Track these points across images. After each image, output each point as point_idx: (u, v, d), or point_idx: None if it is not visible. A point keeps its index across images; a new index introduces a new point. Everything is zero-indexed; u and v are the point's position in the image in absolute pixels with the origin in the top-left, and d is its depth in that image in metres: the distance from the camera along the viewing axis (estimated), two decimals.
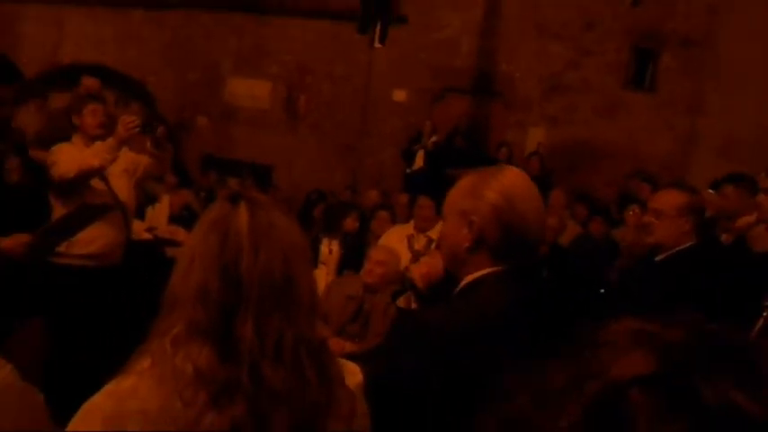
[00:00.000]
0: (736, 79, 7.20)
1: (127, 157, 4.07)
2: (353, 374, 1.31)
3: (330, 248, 5.55)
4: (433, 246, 4.88)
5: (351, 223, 5.73)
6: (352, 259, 5.36)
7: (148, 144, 4.04)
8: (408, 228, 5.40)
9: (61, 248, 3.76)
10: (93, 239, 3.84)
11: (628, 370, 0.52)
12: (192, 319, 1.13)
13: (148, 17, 10.59)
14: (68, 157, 3.71)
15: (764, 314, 2.51)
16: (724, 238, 3.54)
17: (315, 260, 5.52)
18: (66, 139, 3.97)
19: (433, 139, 8.50)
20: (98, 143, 3.79)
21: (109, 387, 1.12)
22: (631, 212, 5.14)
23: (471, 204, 1.51)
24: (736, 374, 0.51)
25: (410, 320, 1.54)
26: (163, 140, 4.06)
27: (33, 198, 3.95)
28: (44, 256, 3.63)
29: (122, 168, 4.04)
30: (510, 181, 1.53)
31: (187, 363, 1.11)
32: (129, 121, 3.72)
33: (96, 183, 3.89)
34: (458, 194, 1.56)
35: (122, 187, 4.05)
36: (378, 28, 8.16)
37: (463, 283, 1.53)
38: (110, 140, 3.73)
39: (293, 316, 1.16)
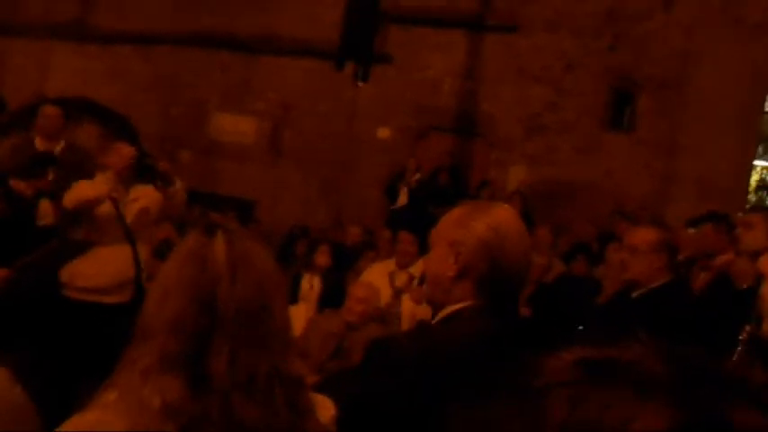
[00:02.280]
0: (710, 120, 7.37)
1: (148, 195, 4.05)
2: (327, 408, 1.29)
3: (311, 284, 5.54)
4: (415, 282, 4.89)
5: (321, 257, 5.69)
6: (333, 296, 5.34)
7: (158, 182, 4.02)
8: (390, 264, 5.40)
9: (64, 280, 3.72)
10: (97, 273, 3.78)
11: (654, 424, 0.52)
12: (165, 349, 1.11)
13: (135, 52, 10.67)
14: (73, 190, 3.73)
15: (741, 342, 2.54)
16: (702, 276, 3.58)
17: (295, 296, 5.50)
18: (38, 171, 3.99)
19: (417, 176, 8.56)
20: (98, 175, 3.80)
21: (72, 420, 1.09)
22: (612, 251, 5.19)
23: (460, 235, 1.52)
24: (743, 396, 0.53)
25: (383, 346, 1.54)
26: (169, 175, 4.04)
27: (14, 229, 3.92)
28: (24, 291, 3.59)
29: (142, 206, 4.02)
30: (501, 216, 1.55)
31: (155, 395, 1.08)
32: (125, 152, 3.73)
33: (106, 216, 3.85)
34: (447, 224, 1.57)
35: (139, 224, 4.01)
36: (359, 66, 8.26)
37: (443, 313, 1.54)
38: (108, 173, 3.74)
39: (268, 347, 1.15)
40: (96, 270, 3.77)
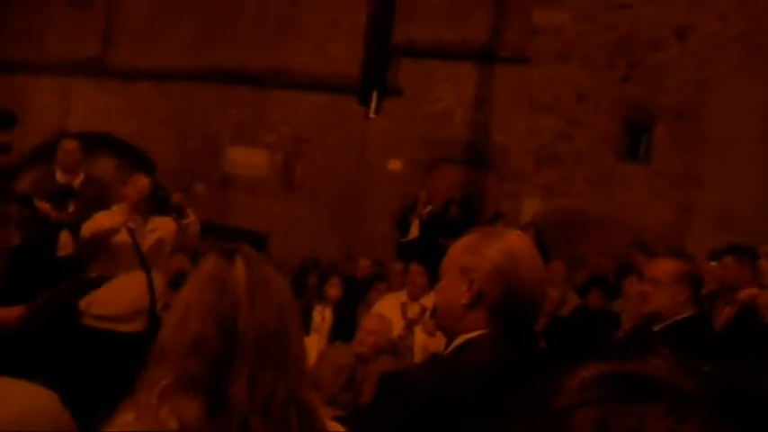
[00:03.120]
0: (728, 151, 7.28)
1: (165, 226, 4.11)
2: None
3: (323, 316, 5.50)
4: (427, 314, 4.83)
5: (333, 290, 5.69)
6: (345, 328, 5.30)
7: (173, 215, 4.09)
8: (402, 296, 5.35)
9: (82, 307, 3.77)
10: (112, 301, 3.84)
11: None
12: (184, 371, 1.11)
13: (153, 88, 10.88)
14: (90, 221, 3.81)
15: None
16: (726, 310, 3.48)
17: (307, 327, 5.46)
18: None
19: (428, 208, 8.55)
20: (114, 206, 3.89)
21: None
22: (629, 284, 5.10)
23: (472, 261, 1.48)
24: None
25: (396, 379, 1.49)
26: (183, 208, 4.11)
27: (39, 253, 3.98)
28: (38, 329, 3.58)
29: (159, 236, 4.08)
30: (514, 242, 1.51)
31: (172, 417, 1.08)
32: (140, 184, 3.82)
33: (123, 246, 3.90)
34: (459, 251, 1.54)
35: (155, 254, 4.06)
36: (374, 98, 8.33)
37: (456, 342, 1.49)
38: (123, 204, 3.83)
39: (286, 372, 1.16)
40: (112, 298, 3.85)
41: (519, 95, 8.66)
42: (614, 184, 7.96)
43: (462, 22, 9.07)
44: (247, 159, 10.41)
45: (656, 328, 2.58)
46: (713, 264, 3.97)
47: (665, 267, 2.60)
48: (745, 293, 3.24)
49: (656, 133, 7.85)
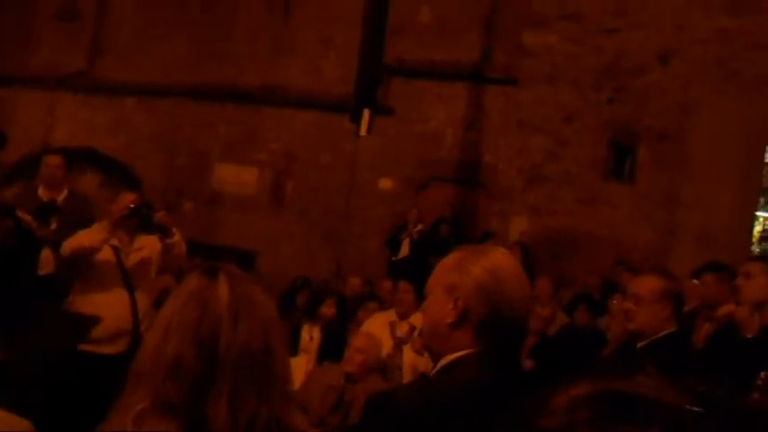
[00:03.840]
0: (711, 172, 7.40)
1: (152, 245, 4.03)
2: None
3: (311, 335, 5.48)
4: (416, 333, 4.83)
5: (328, 309, 5.67)
6: (333, 347, 5.27)
7: (158, 234, 3.99)
8: (390, 314, 5.35)
9: None
10: None
11: None
12: (161, 394, 1.08)
13: (140, 103, 10.83)
14: (70, 239, 3.73)
15: (757, 387, 2.48)
16: (706, 327, 3.52)
17: (295, 347, 5.43)
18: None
19: (419, 227, 8.57)
20: (95, 224, 3.82)
21: None
22: (615, 301, 5.14)
23: (457, 279, 1.48)
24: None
25: (383, 400, 1.49)
26: (167, 226, 4.00)
27: (20, 263, 3.91)
28: (26, 368, 3.52)
29: (144, 255, 4.00)
30: (498, 260, 1.51)
31: None
32: (121, 202, 3.74)
33: (105, 264, 3.81)
34: (444, 270, 1.54)
35: (140, 274, 3.98)
36: (365, 117, 8.36)
37: (442, 362, 1.49)
38: (103, 222, 3.75)
39: (269, 394, 1.13)
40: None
41: (508, 116, 8.74)
42: (600, 204, 8.03)
43: (453, 43, 9.16)
44: (236, 177, 10.39)
45: (639, 345, 2.60)
46: (694, 281, 4.01)
47: (647, 285, 2.64)
48: (724, 310, 3.29)
49: (639, 154, 7.95)
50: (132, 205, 3.77)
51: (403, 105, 9.36)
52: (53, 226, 4.62)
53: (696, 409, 0.51)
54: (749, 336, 2.98)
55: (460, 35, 9.17)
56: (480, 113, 9.10)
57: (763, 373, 2.53)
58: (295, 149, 10.00)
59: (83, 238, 3.69)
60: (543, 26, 8.37)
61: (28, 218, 4.39)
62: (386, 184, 9.55)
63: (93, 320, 3.63)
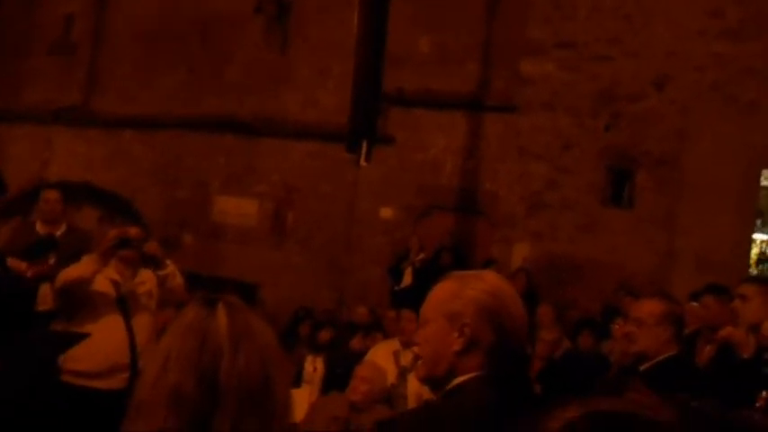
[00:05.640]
0: (708, 196, 7.45)
1: (153, 279, 4.00)
2: None
3: (315, 366, 5.46)
4: (420, 361, 4.81)
5: (324, 335, 5.66)
6: (339, 378, 5.25)
7: (152, 268, 3.97)
8: (394, 343, 5.33)
9: (60, 363, 3.65)
10: (88, 355, 3.66)
11: None
12: (162, 425, 1.07)
13: (138, 136, 10.88)
14: (62, 272, 3.72)
15: (759, 409, 2.48)
16: (708, 348, 3.53)
17: (299, 379, 5.41)
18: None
19: (421, 256, 8.57)
20: (85, 256, 3.79)
21: None
22: (617, 326, 5.14)
23: (459, 306, 1.48)
24: None
25: (389, 427, 1.49)
26: (158, 258, 3.96)
27: (11, 310, 3.88)
28: (13, 383, 3.49)
29: (146, 289, 3.97)
30: (494, 282, 1.53)
31: None
32: (111, 233, 3.73)
33: (103, 298, 3.78)
34: (441, 298, 1.53)
35: (140, 308, 3.93)
36: (364, 147, 8.41)
37: (450, 386, 1.49)
38: (93, 254, 3.74)
39: (270, 423, 1.13)
40: (89, 353, 3.63)
41: (507, 143, 8.80)
42: (600, 230, 8.06)
43: (452, 72, 9.26)
44: (237, 208, 10.41)
45: (641, 368, 2.61)
46: (694, 304, 4.03)
47: (647, 308, 2.66)
48: (725, 332, 3.30)
49: (638, 180, 8.00)
50: (120, 236, 3.74)
51: (403, 134, 9.43)
52: (51, 261, 4.59)
53: (688, 423, 0.52)
54: (746, 356, 2.99)
55: (459, 64, 9.28)
56: (479, 141, 9.17)
57: (765, 392, 2.53)
58: (295, 180, 10.05)
59: (73, 270, 3.67)
60: (540, 54, 8.48)
61: (20, 265, 4.36)
62: (386, 213, 9.57)
63: (80, 336, 3.59)
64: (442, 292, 1.54)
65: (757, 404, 2.51)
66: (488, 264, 8.16)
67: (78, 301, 3.76)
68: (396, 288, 8.60)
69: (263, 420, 1.12)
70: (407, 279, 8.51)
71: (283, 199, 10.16)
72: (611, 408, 0.54)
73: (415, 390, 4.84)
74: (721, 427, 0.47)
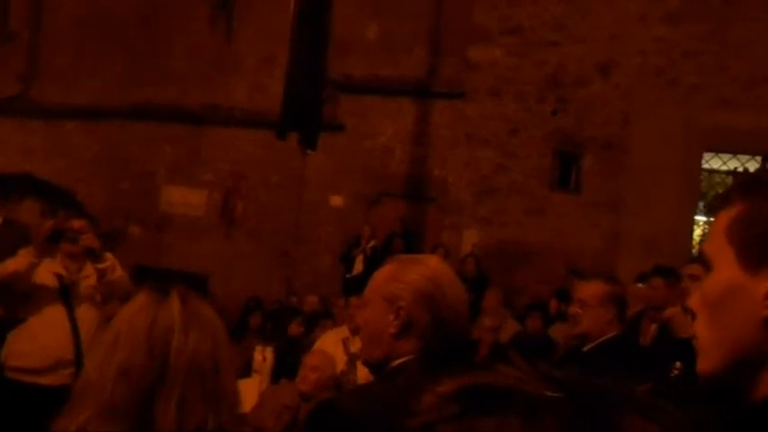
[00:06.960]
0: (652, 179, 7.63)
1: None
2: None
3: (264, 356, 5.40)
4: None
5: (296, 328, 5.64)
6: (288, 367, 5.21)
7: (89, 259, 3.86)
8: (343, 330, 5.30)
9: (2, 359, 3.56)
10: (30, 351, 3.59)
11: None
12: (107, 400, 1.07)
13: (80, 126, 10.60)
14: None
15: (675, 372, 2.56)
16: (652, 328, 3.61)
17: (248, 369, 5.35)
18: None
19: (372, 243, 8.56)
20: (21, 250, 3.69)
21: None
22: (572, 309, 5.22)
23: (396, 289, 1.49)
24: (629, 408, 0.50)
25: (326, 407, 1.48)
26: (95, 250, 3.85)
27: None
28: None
29: (91, 283, 3.87)
30: (434, 266, 1.54)
31: None
32: (45, 225, 3.65)
33: (45, 292, 3.68)
34: (381, 280, 1.55)
35: (87, 303, 3.84)
36: (303, 135, 8.26)
37: (388, 368, 1.50)
38: (29, 247, 3.64)
39: (216, 405, 1.13)
40: (31, 348, 3.59)
41: (456, 129, 8.84)
42: (548, 214, 8.18)
43: (400, 58, 9.24)
44: (184, 199, 10.23)
45: (585, 348, 2.66)
46: (641, 285, 4.12)
47: (590, 290, 2.71)
48: (670, 311, 3.38)
49: (584, 164, 8.13)
50: (54, 228, 3.64)
51: (352, 121, 9.38)
52: None
53: (554, 394, 0.51)
54: (684, 336, 3.07)
55: (406, 51, 9.27)
56: (428, 128, 9.19)
57: (678, 363, 2.61)
58: (243, 169, 9.92)
59: (9, 265, 3.57)
60: (487, 40, 8.52)
61: None
62: (336, 201, 9.53)
63: (16, 321, 3.53)
64: (383, 275, 1.55)
65: (671, 374, 2.59)
66: (436, 249, 8.22)
67: (20, 296, 3.66)
68: (347, 276, 8.59)
69: (210, 402, 1.12)
70: (359, 267, 8.51)
71: (232, 188, 10.03)
72: (481, 380, 0.52)
73: (364, 376, 4.82)
74: (589, 397, 0.47)
